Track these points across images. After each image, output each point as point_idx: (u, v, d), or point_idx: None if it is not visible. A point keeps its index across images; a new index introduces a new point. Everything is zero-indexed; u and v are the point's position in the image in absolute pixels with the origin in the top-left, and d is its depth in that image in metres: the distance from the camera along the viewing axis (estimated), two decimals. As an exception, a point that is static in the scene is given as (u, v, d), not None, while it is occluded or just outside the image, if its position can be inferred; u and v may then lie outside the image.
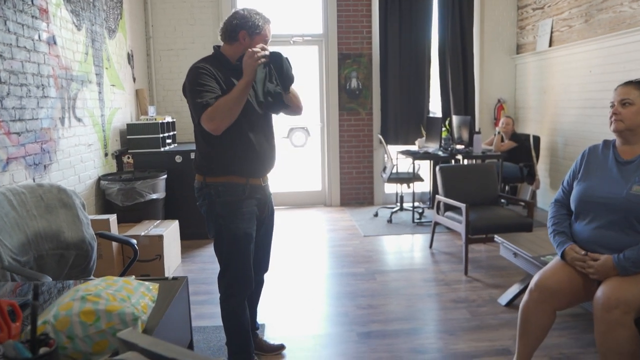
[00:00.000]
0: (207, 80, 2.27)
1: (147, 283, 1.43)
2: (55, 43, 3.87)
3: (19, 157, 3.31)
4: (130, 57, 5.74)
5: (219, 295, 2.52)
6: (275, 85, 2.28)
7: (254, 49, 2.22)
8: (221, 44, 2.47)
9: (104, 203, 4.63)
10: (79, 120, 4.28)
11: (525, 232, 3.82)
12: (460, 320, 3.25)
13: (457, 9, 6.61)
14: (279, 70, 2.28)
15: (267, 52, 2.25)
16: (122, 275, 2.71)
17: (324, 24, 6.63)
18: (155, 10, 6.38)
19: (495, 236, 3.47)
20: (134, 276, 1.54)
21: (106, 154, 4.90)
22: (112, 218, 3.86)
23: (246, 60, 2.22)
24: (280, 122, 6.78)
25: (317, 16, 6.67)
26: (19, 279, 2.20)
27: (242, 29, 2.37)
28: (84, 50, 4.44)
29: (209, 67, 2.32)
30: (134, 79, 5.87)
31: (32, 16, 3.55)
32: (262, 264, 2.69)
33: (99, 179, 4.62)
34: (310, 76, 6.97)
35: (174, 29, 6.41)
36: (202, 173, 2.43)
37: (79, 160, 4.26)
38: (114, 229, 3.89)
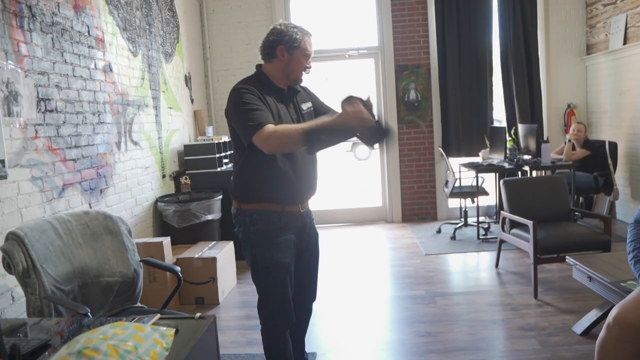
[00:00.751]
0: (253, 100, 2.18)
1: (162, 329, 1.33)
2: (111, 70, 3.97)
3: (75, 182, 3.38)
4: (187, 79, 5.84)
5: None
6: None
7: (364, 112, 2.02)
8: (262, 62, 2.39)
9: (161, 225, 4.68)
10: (136, 143, 4.36)
11: (602, 252, 3.48)
12: (528, 352, 2.97)
13: (519, 11, 6.27)
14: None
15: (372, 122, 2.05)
16: (166, 303, 2.67)
17: (379, 36, 6.48)
18: (212, 33, 6.48)
19: (567, 257, 3.16)
20: (157, 317, 1.46)
21: (164, 176, 4.97)
22: (166, 241, 3.87)
23: (351, 113, 2.02)
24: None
25: (372, 28, 6.54)
26: (62, 309, 2.20)
27: (279, 44, 2.27)
28: (140, 76, 4.54)
29: (251, 88, 2.23)
30: (192, 100, 5.97)
31: (89, 46, 3.65)
32: (308, 292, 2.55)
33: (156, 200, 4.68)
34: (367, 89, 6.84)
35: (230, 49, 6.48)
36: (237, 199, 2.34)
37: (136, 183, 4.33)
38: (168, 252, 3.90)
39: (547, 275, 4.23)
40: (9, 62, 2.77)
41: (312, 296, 2.59)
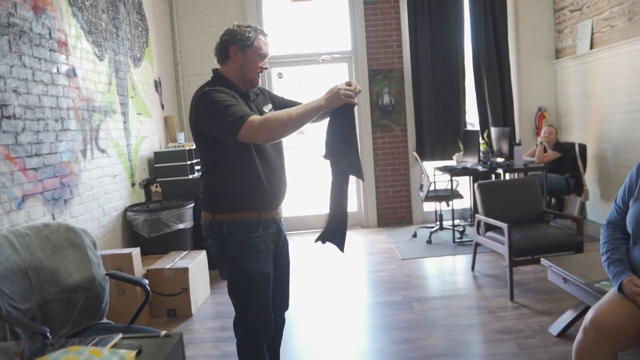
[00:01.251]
0: (226, 97, 2.09)
1: (122, 352, 1.23)
2: (75, 75, 3.82)
3: (36, 193, 3.23)
4: (157, 84, 5.70)
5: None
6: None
7: (348, 88, 2.11)
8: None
9: (131, 235, 4.53)
10: (103, 151, 4.21)
11: (575, 254, 3.48)
12: (507, 356, 2.93)
13: (490, 16, 6.31)
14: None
15: (354, 98, 2.13)
16: (134, 318, 2.55)
17: (352, 40, 6.45)
18: (183, 37, 6.36)
19: (542, 259, 3.14)
20: (119, 337, 1.35)
21: (133, 184, 4.82)
22: (135, 252, 3.74)
23: (336, 91, 2.10)
24: (311, 138, 6.62)
25: (346, 33, 6.50)
26: (19, 330, 2.06)
27: (231, 43, 2.18)
28: (107, 81, 4.39)
29: (219, 87, 2.14)
30: (162, 106, 5.83)
31: (50, 49, 3.50)
32: (281, 302, 2.46)
33: (126, 210, 4.53)
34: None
35: (202, 53, 6.36)
36: (210, 210, 2.22)
37: (103, 192, 4.18)
38: (138, 263, 3.76)
39: (523, 277, 4.22)
40: (-37, 66, 2.62)
41: (285, 305, 2.50)
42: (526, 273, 4.30)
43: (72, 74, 3.77)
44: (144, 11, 5.35)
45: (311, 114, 2.08)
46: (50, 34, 3.50)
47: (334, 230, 2.27)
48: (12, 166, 3.01)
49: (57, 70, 3.57)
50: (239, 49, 2.18)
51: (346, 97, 2.08)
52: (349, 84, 2.14)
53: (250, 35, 2.18)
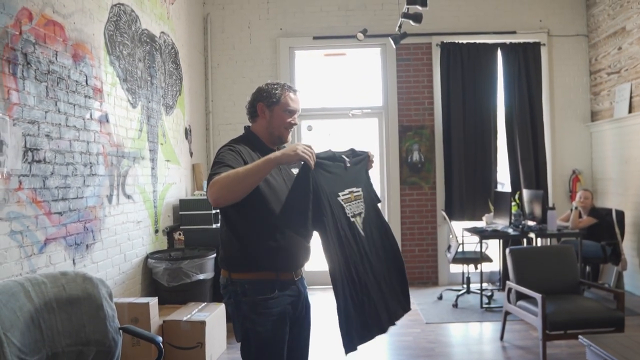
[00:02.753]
0: (231, 157, 2.05)
1: None
2: (107, 121, 3.87)
3: (59, 237, 3.20)
4: (188, 132, 5.76)
5: None
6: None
7: (306, 148, 1.94)
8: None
9: (151, 282, 4.46)
10: (129, 197, 4.21)
11: (616, 332, 3.25)
12: None
13: (524, 76, 6.27)
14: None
15: (311, 159, 1.94)
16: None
17: (383, 96, 6.46)
18: (216, 86, 6.47)
19: (580, 337, 2.92)
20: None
21: (157, 231, 4.79)
22: (153, 302, 3.65)
23: (293, 147, 1.94)
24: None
25: (377, 88, 6.53)
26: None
27: (258, 101, 2.20)
28: (138, 127, 4.44)
29: (237, 147, 2.12)
30: (191, 154, 5.87)
31: (85, 96, 3.56)
32: None
33: (147, 257, 4.48)
34: (370, 149, 6.74)
35: (234, 103, 6.44)
36: (227, 268, 2.15)
37: (126, 238, 4.15)
38: (154, 313, 3.67)
39: (556, 351, 3.97)
40: (-2, 110, 2.66)
41: None
42: (560, 347, 4.04)
43: (104, 120, 3.82)
44: (179, 60, 5.47)
45: (260, 168, 1.90)
46: (86, 81, 3.57)
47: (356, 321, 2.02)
48: (38, 210, 3.00)
49: (90, 116, 3.62)
50: (265, 106, 2.18)
51: (303, 154, 1.92)
52: (309, 146, 1.99)
53: (276, 92, 2.18)
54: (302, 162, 1.95)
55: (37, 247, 2.98)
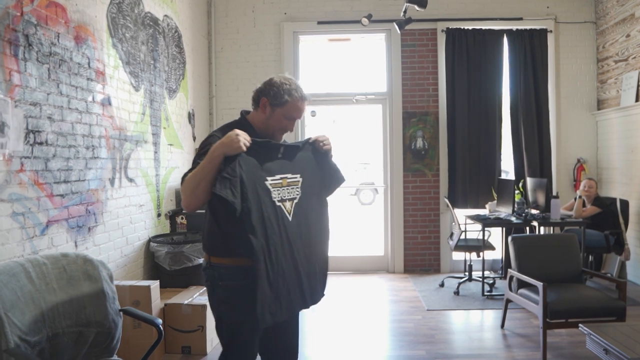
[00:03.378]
0: (206, 150, 2.03)
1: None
2: (110, 104, 3.85)
3: (61, 219, 3.21)
4: (191, 116, 5.74)
5: None
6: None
7: (245, 139, 1.96)
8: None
9: (152, 266, 4.48)
10: (131, 180, 4.21)
11: (617, 321, 3.24)
12: None
13: (530, 63, 6.20)
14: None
15: (245, 145, 1.98)
16: (145, 357, 2.45)
17: (388, 81, 6.41)
18: (219, 70, 6.43)
19: (580, 326, 2.93)
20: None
21: (159, 215, 4.80)
22: (154, 285, 3.66)
23: (235, 139, 1.95)
24: (347, 179, 6.55)
25: (381, 74, 6.48)
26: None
27: (264, 95, 2.15)
28: (141, 111, 4.42)
29: (221, 135, 2.07)
30: (194, 138, 5.86)
31: (88, 78, 3.54)
32: (288, 354, 2.33)
33: (149, 240, 4.49)
34: (373, 136, 6.74)
35: (237, 88, 6.42)
36: (207, 251, 2.18)
37: (128, 221, 4.15)
38: (156, 297, 3.68)
39: (557, 339, 3.97)
40: (-1, 91, 2.65)
41: (294, 355, 2.36)
42: (560, 335, 4.05)
43: (107, 102, 3.81)
44: (182, 44, 5.44)
45: (209, 167, 1.94)
46: (89, 63, 3.55)
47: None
48: (40, 192, 3.00)
49: (93, 98, 3.60)
50: (269, 104, 2.14)
51: (244, 145, 1.96)
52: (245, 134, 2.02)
53: (284, 96, 2.12)
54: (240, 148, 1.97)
55: (39, 229, 2.98)
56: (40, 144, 3.00)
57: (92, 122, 3.59)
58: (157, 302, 3.70)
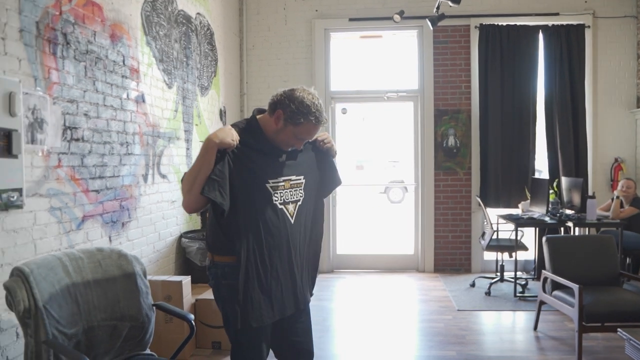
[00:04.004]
0: None
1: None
2: (143, 101, 3.91)
3: (96, 214, 3.27)
4: (222, 113, 5.79)
5: None
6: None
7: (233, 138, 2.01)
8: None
9: (184, 261, 4.53)
10: (164, 176, 4.27)
11: (657, 326, 3.14)
12: None
13: (566, 60, 6.05)
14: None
15: (233, 145, 2.02)
16: (177, 352, 2.48)
17: (419, 79, 6.34)
18: (251, 68, 6.47)
19: (620, 330, 2.84)
20: None
21: (190, 210, 4.84)
22: (186, 280, 3.71)
23: (230, 134, 2.01)
24: (376, 177, 6.50)
25: (413, 71, 6.41)
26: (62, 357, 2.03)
27: (281, 107, 2.07)
28: (174, 108, 4.48)
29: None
30: (225, 135, 5.89)
31: (123, 76, 3.60)
32: (302, 353, 2.31)
33: (181, 236, 4.55)
34: (403, 133, 6.68)
35: (268, 85, 6.44)
36: (211, 250, 2.18)
37: (161, 217, 4.22)
38: (187, 292, 3.73)
39: (592, 343, 3.87)
40: (38, 88, 2.71)
41: (304, 353, 2.33)
42: (596, 340, 3.94)
43: (140, 100, 3.86)
44: (215, 42, 5.48)
45: (204, 162, 1.98)
46: (124, 61, 3.61)
47: None
48: (76, 187, 3.07)
49: (127, 96, 3.66)
50: (282, 118, 2.08)
51: (233, 141, 2.01)
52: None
53: (300, 117, 2.06)
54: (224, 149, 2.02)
55: (75, 224, 3.05)
56: (77, 140, 3.07)
57: (126, 119, 3.65)
58: (188, 297, 3.75)
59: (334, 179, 2.37)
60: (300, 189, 2.21)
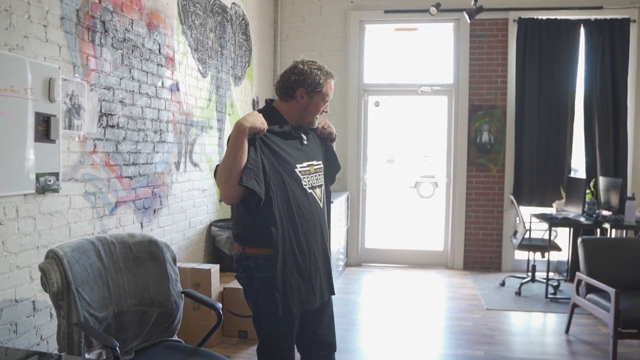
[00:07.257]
0: None
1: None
2: (178, 90, 3.95)
3: (129, 200, 3.32)
4: (255, 104, 5.81)
5: None
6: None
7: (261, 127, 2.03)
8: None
9: (213, 250, 4.58)
10: (195, 165, 4.30)
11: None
12: None
13: (609, 56, 5.85)
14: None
15: (263, 129, 2.05)
16: (204, 339, 2.50)
17: (454, 73, 6.23)
18: (284, 58, 6.46)
19: (656, 337, 2.75)
20: None
21: (221, 200, 4.88)
22: (215, 269, 3.74)
23: (259, 119, 2.03)
24: (406, 171, 6.43)
25: (448, 65, 6.30)
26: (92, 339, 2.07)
27: (300, 86, 2.13)
28: (207, 97, 4.51)
29: None
30: (257, 125, 5.91)
31: (158, 64, 3.64)
32: (320, 342, 2.29)
33: (211, 224, 4.59)
34: (438, 128, 6.59)
35: (300, 77, 6.41)
36: (240, 241, 2.16)
37: (192, 205, 4.26)
38: (215, 280, 3.76)
39: (627, 350, 3.75)
40: (76, 75, 2.76)
41: (327, 346, 2.32)
42: (632, 347, 3.82)
43: (175, 88, 3.90)
44: (249, 32, 5.49)
45: (236, 147, 1.98)
46: (159, 49, 3.64)
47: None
48: (110, 173, 3.12)
49: (162, 84, 3.70)
50: (306, 93, 2.14)
51: (262, 124, 2.03)
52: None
53: (320, 80, 2.13)
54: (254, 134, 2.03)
55: (108, 209, 3.10)
56: (112, 126, 3.12)
57: (160, 107, 3.69)
58: (216, 285, 3.79)
59: (335, 164, 2.43)
60: (321, 174, 2.27)
